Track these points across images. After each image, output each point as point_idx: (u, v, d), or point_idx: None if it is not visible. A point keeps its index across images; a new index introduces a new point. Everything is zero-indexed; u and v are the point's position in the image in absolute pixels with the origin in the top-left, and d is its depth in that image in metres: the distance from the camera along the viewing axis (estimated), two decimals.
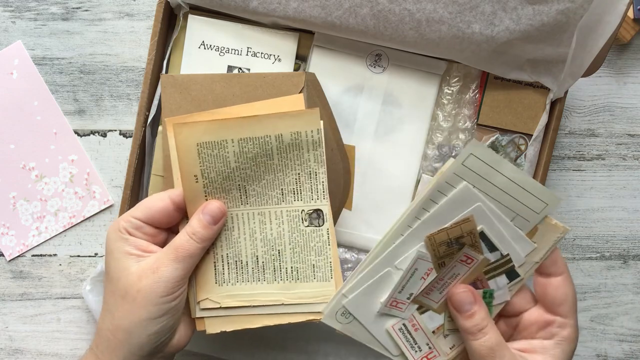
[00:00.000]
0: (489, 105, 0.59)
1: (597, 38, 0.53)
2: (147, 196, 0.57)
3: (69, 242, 0.63)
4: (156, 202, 0.45)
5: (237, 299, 0.47)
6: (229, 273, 0.47)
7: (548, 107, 0.58)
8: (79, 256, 0.64)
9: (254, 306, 0.47)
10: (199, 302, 0.47)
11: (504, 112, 0.59)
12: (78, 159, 0.63)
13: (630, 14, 0.60)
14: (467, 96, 0.59)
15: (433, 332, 0.46)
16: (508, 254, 0.44)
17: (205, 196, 0.46)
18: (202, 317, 0.47)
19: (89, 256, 0.64)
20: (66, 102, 0.63)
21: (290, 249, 0.47)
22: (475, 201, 0.42)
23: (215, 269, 0.47)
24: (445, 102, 0.59)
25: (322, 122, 0.46)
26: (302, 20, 0.54)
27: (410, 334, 0.46)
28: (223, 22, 0.58)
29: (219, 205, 0.45)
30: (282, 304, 0.47)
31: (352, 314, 0.46)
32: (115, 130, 0.63)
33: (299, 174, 0.46)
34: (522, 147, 0.60)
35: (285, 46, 0.58)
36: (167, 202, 0.45)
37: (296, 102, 0.48)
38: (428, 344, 0.46)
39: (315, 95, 0.53)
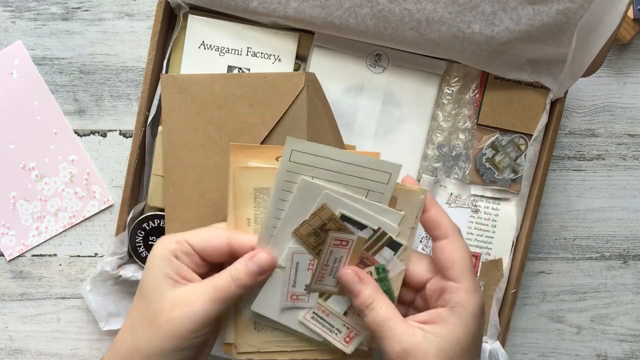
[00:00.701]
0: (489, 105, 0.59)
1: (597, 38, 0.53)
2: (147, 196, 0.57)
3: (69, 242, 0.63)
4: (214, 239, 0.44)
5: (275, 345, 0.46)
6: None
7: (548, 107, 0.58)
8: (79, 256, 0.64)
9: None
10: (236, 347, 0.46)
11: (504, 112, 0.59)
12: (78, 159, 0.63)
13: (630, 14, 0.60)
14: (467, 96, 0.59)
15: (345, 313, 0.46)
16: (380, 228, 0.43)
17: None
18: (231, 344, 0.47)
19: (89, 256, 0.64)
20: (66, 102, 0.63)
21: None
22: (321, 190, 0.42)
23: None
24: (445, 102, 0.59)
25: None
26: (302, 20, 0.54)
27: (323, 319, 0.46)
28: (223, 22, 0.58)
29: (269, 258, 0.43)
30: (313, 350, 0.47)
31: (264, 316, 0.45)
32: (115, 130, 0.63)
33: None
34: (522, 147, 0.60)
35: (285, 46, 0.58)
36: (224, 244, 0.44)
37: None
38: (345, 325, 0.46)
39: (315, 95, 0.53)
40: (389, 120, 0.58)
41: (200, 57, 0.58)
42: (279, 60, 0.58)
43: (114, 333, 0.63)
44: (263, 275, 0.43)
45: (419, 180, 0.59)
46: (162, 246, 0.43)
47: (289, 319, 0.46)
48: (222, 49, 0.58)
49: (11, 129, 0.62)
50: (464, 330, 0.41)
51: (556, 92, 0.57)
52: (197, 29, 0.58)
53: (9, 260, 0.63)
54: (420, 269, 0.45)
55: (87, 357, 0.64)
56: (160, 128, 0.55)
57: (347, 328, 0.46)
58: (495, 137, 0.60)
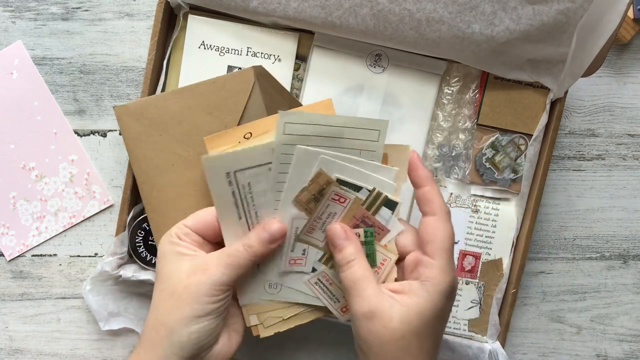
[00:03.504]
0: (489, 105, 0.59)
1: (597, 38, 0.53)
2: None
3: (69, 242, 0.63)
4: (206, 215, 0.46)
5: (293, 309, 0.49)
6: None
7: (548, 107, 0.58)
8: (79, 256, 0.64)
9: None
10: (257, 320, 0.49)
11: (504, 112, 0.59)
12: (78, 159, 0.63)
13: (630, 14, 0.60)
14: (467, 96, 0.59)
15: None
16: (375, 188, 0.45)
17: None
18: (255, 325, 0.49)
19: (89, 256, 0.64)
20: (66, 102, 0.63)
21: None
22: (317, 156, 0.44)
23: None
24: (445, 102, 0.59)
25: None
26: (302, 20, 0.54)
27: (326, 287, 0.48)
28: (223, 22, 0.58)
29: (281, 226, 0.45)
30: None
31: (276, 282, 0.48)
32: (115, 130, 0.63)
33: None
34: (522, 147, 0.60)
35: (285, 46, 0.58)
36: (214, 217, 0.46)
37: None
38: (344, 297, 0.47)
39: (268, 85, 0.53)
40: (389, 120, 0.58)
41: (200, 57, 0.58)
42: (279, 60, 0.58)
43: (114, 333, 0.63)
44: (275, 244, 0.45)
45: None
46: (166, 236, 0.46)
47: (293, 281, 0.48)
48: (222, 49, 0.58)
49: (11, 129, 0.62)
50: (430, 305, 0.42)
51: (556, 92, 0.57)
52: (197, 29, 0.58)
53: (9, 260, 0.63)
54: (406, 240, 0.46)
55: (87, 357, 0.64)
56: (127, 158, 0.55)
57: (346, 300, 0.47)
58: (495, 137, 0.60)
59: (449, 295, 0.43)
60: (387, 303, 0.42)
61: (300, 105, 0.56)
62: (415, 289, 0.42)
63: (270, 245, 0.45)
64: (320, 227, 0.46)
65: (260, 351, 0.63)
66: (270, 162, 0.45)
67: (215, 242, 0.47)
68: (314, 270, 0.48)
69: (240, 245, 0.45)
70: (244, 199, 0.46)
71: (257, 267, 0.47)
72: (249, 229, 0.46)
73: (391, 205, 0.45)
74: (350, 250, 0.44)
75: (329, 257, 0.47)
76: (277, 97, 0.54)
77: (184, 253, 0.45)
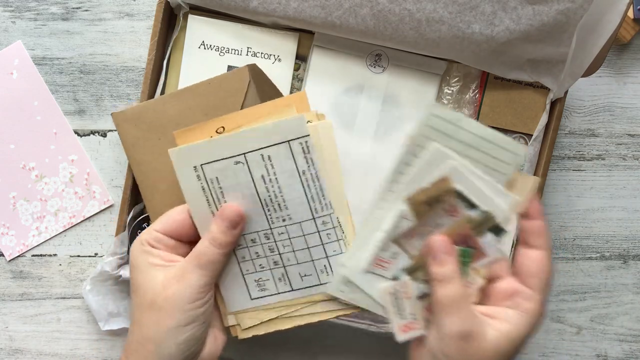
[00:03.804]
0: (489, 105, 0.59)
1: (597, 38, 0.53)
2: None
3: (69, 242, 0.63)
4: (175, 215, 0.45)
5: (275, 312, 0.47)
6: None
7: (548, 107, 0.58)
8: (79, 256, 0.64)
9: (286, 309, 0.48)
10: (235, 321, 0.48)
11: (504, 112, 0.59)
12: (78, 159, 0.63)
13: (630, 14, 0.60)
14: (467, 96, 0.60)
15: (419, 298, 0.46)
16: (489, 211, 0.44)
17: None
18: (234, 325, 0.48)
19: (89, 256, 0.64)
20: (66, 102, 0.63)
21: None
22: (448, 160, 0.43)
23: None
24: (445, 102, 0.59)
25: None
26: (302, 20, 0.54)
27: (400, 299, 0.46)
28: (223, 22, 0.58)
29: (235, 208, 0.44)
30: (313, 303, 0.47)
31: (351, 282, 0.46)
32: (115, 130, 0.63)
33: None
34: None
35: (285, 46, 0.58)
36: (185, 215, 0.45)
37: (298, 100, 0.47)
38: (413, 315, 0.46)
39: (263, 83, 0.53)
40: (389, 120, 0.58)
41: (200, 57, 0.58)
42: (279, 60, 0.58)
43: (114, 333, 0.63)
44: (237, 228, 0.45)
45: None
46: (137, 241, 0.45)
47: (369, 284, 0.46)
48: (222, 49, 0.58)
49: (11, 129, 0.62)
50: (521, 334, 0.43)
51: (556, 92, 0.57)
52: (197, 29, 0.58)
53: (9, 260, 0.63)
54: (496, 266, 0.46)
55: (87, 357, 0.64)
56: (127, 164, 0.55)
57: (413, 318, 0.46)
58: None
59: (539, 327, 0.44)
60: (483, 326, 0.42)
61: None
62: (512, 318, 0.43)
63: (233, 230, 0.44)
64: (422, 235, 0.45)
65: (259, 351, 0.64)
66: (237, 155, 0.44)
67: (190, 241, 0.46)
68: (394, 278, 0.46)
69: (206, 241, 0.44)
70: (214, 194, 0.45)
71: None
72: None
73: (498, 232, 0.44)
74: (452, 267, 0.43)
75: (416, 269, 0.45)
76: (272, 95, 0.54)
77: (156, 264, 0.44)
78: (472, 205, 0.44)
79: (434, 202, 0.44)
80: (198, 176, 0.44)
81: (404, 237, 0.45)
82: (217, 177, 0.44)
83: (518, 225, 0.45)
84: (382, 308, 0.46)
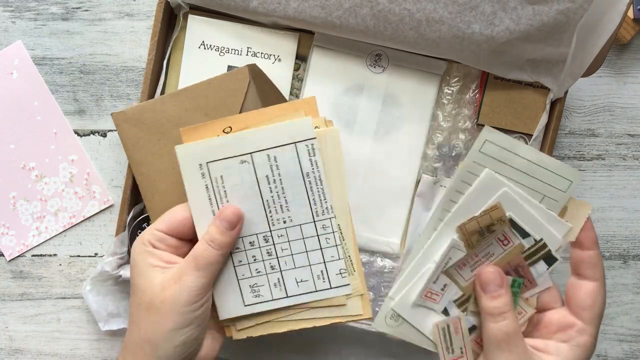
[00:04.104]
0: (489, 105, 0.59)
1: (597, 38, 0.53)
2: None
3: (69, 242, 0.63)
4: (178, 214, 0.45)
5: (270, 315, 0.47)
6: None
7: (548, 107, 0.58)
8: (79, 256, 0.64)
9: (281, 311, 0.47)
10: (234, 326, 0.47)
11: (504, 112, 0.59)
12: (78, 159, 0.63)
13: (630, 14, 0.60)
14: (467, 96, 0.59)
15: (470, 330, 0.46)
16: (542, 239, 0.43)
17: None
18: (229, 325, 0.47)
19: (89, 256, 0.64)
20: (66, 102, 0.63)
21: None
22: (500, 187, 0.42)
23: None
24: (445, 102, 0.59)
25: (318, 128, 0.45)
26: (302, 20, 0.54)
27: (450, 334, 0.46)
28: (223, 22, 0.58)
29: (234, 209, 0.44)
30: (308, 309, 0.47)
31: (400, 316, 0.46)
32: (115, 130, 0.63)
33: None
34: None
35: (285, 46, 0.58)
36: (187, 214, 0.45)
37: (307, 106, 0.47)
38: (461, 348, 0.45)
39: (262, 83, 0.53)
40: (389, 120, 0.58)
41: (200, 57, 0.58)
42: (279, 60, 0.58)
43: (113, 333, 0.63)
44: (235, 229, 0.44)
45: (419, 181, 0.59)
46: (139, 241, 0.45)
47: (419, 319, 0.46)
48: (222, 49, 0.58)
49: (11, 129, 0.62)
50: None
51: (556, 92, 0.57)
52: (197, 29, 0.58)
53: (9, 260, 0.63)
54: (547, 297, 0.45)
55: (87, 357, 0.64)
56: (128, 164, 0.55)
57: (461, 352, 0.45)
58: None
59: (590, 358, 0.43)
60: None
61: (286, 101, 0.56)
62: (564, 352, 0.42)
63: (231, 231, 0.44)
64: (472, 265, 0.44)
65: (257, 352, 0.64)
66: (243, 155, 0.44)
67: (191, 240, 0.46)
68: (445, 311, 0.45)
69: (204, 243, 0.44)
70: (217, 193, 0.45)
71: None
72: None
73: (550, 260, 0.44)
74: (506, 300, 0.43)
75: (466, 301, 0.45)
76: (272, 95, 0.54)
77: (156, 265, 0.44)
78: (524, 234, 0.43)
79: (486, 231, 0.43)
80: (203, 174, 0.45)
81: (454, 268, 0.44)
82: (221, 176, 0.45)
83: (569, 253, 0.45)
84: (432, 343, 0.46)
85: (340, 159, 0.46)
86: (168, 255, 0.45)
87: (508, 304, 0.43)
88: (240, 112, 0.51)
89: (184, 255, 0.45)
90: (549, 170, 0.43)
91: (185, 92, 0.52)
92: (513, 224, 0.43)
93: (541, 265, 0.44)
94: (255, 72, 0.52)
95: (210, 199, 0.45)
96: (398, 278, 0.46)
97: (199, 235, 0.45)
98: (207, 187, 0.45)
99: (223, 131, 0.45)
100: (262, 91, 0.52)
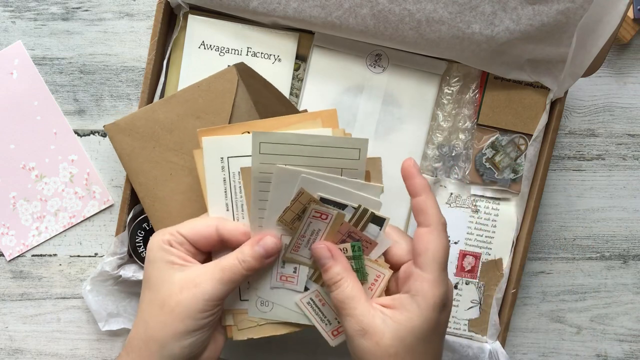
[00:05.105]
0: (489, 105, 0.59)
1: (597, 38, 0.53)
2: None
3: (69, 242, 0.63)
4: (203, 227, 0.45)
5: (273, 316, 0.48)
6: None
7: (548, 107, 0.58)
8: (79, 256, 0.64)
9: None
10: (232, 321, 0.48)
11: (504, 112, 0.59)
12: (78, 159, 0.63)
13: (630, 14, 0.60)
14: (467, 96, 0.60)
15: None
16: (360, 205, 0.44)
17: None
18: (230, 325, 0.48)
19: (89, 256, 0.64)
20: (66, 102, 0.63)
21: None
22: (297, 175, 0.43)
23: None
24: (445, 102, 0.59)
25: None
26: (302, 20, 0.54)
27: (318, 307, 0.47)
28: (223, 22, 0.58)
29: (276, 241, 0.44)
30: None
31: (268, 300, 0.47)
32: None
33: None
34: (522, 147, 0.60)
35: (285, 46, 0.58)
36: (213, 231, 0.44)
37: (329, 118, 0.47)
38: (336, 319, 0.46)
39: (252, 81, 0.53)
40: (389, 120, 0.58)
41: (200, 57, 0.58)
42: (279, 60, 0.58)
43: (113, 333, 0.63)
44: (270, 259, 0.44)
45: None
46: (157, 238, 0.45)
47: (285, 299, 0.47)
48: (222, 49, 0.58)
49: (11, 129, 0.62)
50: (421, 320, 0.41)
51: (556, 92, 0.57)
52: (197, 29, 0.58)
53: (9, 260, 0.63)
54: (401, 251, 0.45)
55: (87, 357, 0.64)
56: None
57: (338, 322, 0.46)
58: (495, 137, 0.60)
59: (441, 307, 0.42)
60: (379, 320, 0.41)
61: (290, 102, 0.56)
62: (406, 303, 0.41)
63: (266, 260, 0.44)
64: (305, 244, 0.45)
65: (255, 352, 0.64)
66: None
67: (208, 252, 0.46)
68: (306, 289, 0.47)
69: (235, 259, 0.43)
70: (233, 188, 0.46)
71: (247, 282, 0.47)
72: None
73: (379, 221, 0.44)
74: (337, 269, 0.43)
75: (320, 275, 0.46)
76: (264, 92, 0.54)
77: (175, 262, 0.43)
78: (342, 206, 0.44)
79: (302, 215, 0.44)
80: (222, 167, 0.46)
81: (292, 253, 0.46)
82: (238, 172, 0.46)
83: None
84: (307, 318, 0.47)
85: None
86: (186, 256, 0.44)
87: (339, 272, 0.43)
88: (232, 111, 0.52)
89: (199, 261, 0.45)
90: (333, 147, 0.43)
91: (175, 97, 0.52)
92: (326, 201, 0.44)
93: (372, 227, 0.45)
94: (244, 71, 0.52)
95: (225, 191, 0.46)
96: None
97: (211, 212, 0.46)
98: (224, 180, 0.46)
99: (241, 134, 0.47)
100: (253, 90, 0.52)
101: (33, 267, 0.63)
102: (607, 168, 0.65)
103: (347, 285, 0.42)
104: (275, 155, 0.43)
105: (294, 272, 0.46)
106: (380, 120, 0.58)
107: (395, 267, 0.45)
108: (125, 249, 0.58)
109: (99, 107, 0.63)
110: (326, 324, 0.47)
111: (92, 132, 0.63)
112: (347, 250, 0.45)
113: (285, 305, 0.47)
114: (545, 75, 0.57)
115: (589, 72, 0.55)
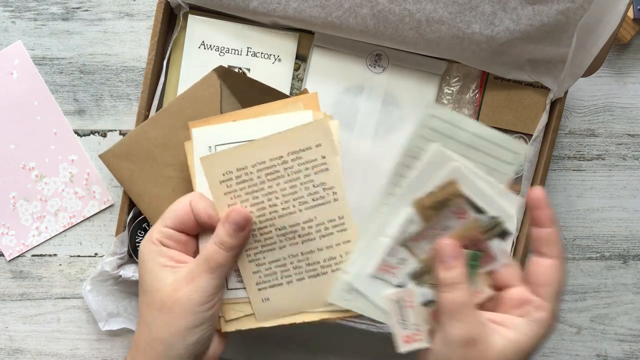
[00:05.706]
0: (489, 105, 0.59)
1: (597, 38, 0.53)
2: None
3: (69, 242, 0.63)
4: (179, 207, 0.45)
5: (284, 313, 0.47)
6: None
7: (548, 107, 0.58)
8: (79, 256, 0.64)
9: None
10: (224, 317, 0.47)
11: (504, 112, 0.59)
12: (78, 159, 0.63)
13: (630, 14, 0.60)
14: (467, 96, 0.60)
15: (424, 304, 0.45)
16: (499, 216, 0.43)
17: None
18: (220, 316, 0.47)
19: (89, 256, 0.64)
20: (66, 102, 0.63)
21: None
22: (449, 161, 0.42)
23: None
24: (445, 102, 0.59)
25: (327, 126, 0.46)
26: (302, 20, 0.54)
27: (403, 308, 0.45)
28: (223, 22, 0.58)
29: (241, 211, 0.44)
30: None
31: (356, 289, 0.45)
32: (115, 130, 0.63)
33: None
34: None
35: (285, 46, 0.58)
36: (188, 207, 0.45)
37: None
38: (416, 325, 0.45)
39: (235, 82, 0.53)
40: (389, 120, 0.58)
41: (200, 57, 0.58)
42: (279, 60, 0.58)
43: (113, 333, 0.63)
44: (245, 230, 0.45)
45: None
46: (147, 240, 0.45)
47: (374, 290, 0.45)
48: (222, 49, 0.58)
49: (11, 129, 0.62)
50: (530, 343, 0.42)
51: (556, 92, 0.57)
52: (197, 29, 0.58)
53: (9, 260, 0.63)
54: (508, 274, 0.45)
55: (87, 357, 0.64)
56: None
57: (417, 329, 0.45)
58: None
59: (548, 337, 0.43)
60: (489, 333, 0.41)
61: (279, 92, 0.55)
62: (521, 326, 0.42)
63: (240, 233, 0.44)
64: (430, 238, 0.44)
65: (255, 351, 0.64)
66: (247, 141, 0.45)
67: (197, 235, 0.46)
68: (401, 285, 0.45)
69: (213, 245, 0.44)
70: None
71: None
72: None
73: (504, 235, 0.44)
74: (459, 271, 0.43)
75: (423, 274, 0.45)
76: (249, 90, 0.54)
77: (167, 265, 0.44)
78: (479, 210, 0.43)
79: (441, 206, 0.43)
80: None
81: (412, 241, 0.44)
82: None
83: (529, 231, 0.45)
84: (386, 316, 0.45)
85: (339, 153, 0.46)
86: (178, 254, 0.45)
87: (462, 275, 0.42)
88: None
89: (192, 253, 0.46)
90: (496, 144, 0.42)
91: (163, 113, 0.53)
92: (468, 200, 0.43)
93: (498, 241, 0.44)
94: (224, 73, 0.53)
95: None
96: (352, 252, 0.46)
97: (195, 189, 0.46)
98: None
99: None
100: (237, 90, 0.53)
101: (33, 267, 0.63)
102: (607, 168, 0.65)
103: (465, 291, 0.42)
104: (437, 133, 0.42)
105: (399, 263, 0.45)
106: (380, 120, 0.58)
107: (497, 288, 0.45)
108: (125, 249, 0.59)
109: (99, 107, 0.63)
110: (402, 328, 0.45)
111: (92, 132, 0.63)
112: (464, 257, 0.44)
113: (370, 297, 0.45)
114: (545, 75, 0.57)
115: (589, 72, 0.55)
